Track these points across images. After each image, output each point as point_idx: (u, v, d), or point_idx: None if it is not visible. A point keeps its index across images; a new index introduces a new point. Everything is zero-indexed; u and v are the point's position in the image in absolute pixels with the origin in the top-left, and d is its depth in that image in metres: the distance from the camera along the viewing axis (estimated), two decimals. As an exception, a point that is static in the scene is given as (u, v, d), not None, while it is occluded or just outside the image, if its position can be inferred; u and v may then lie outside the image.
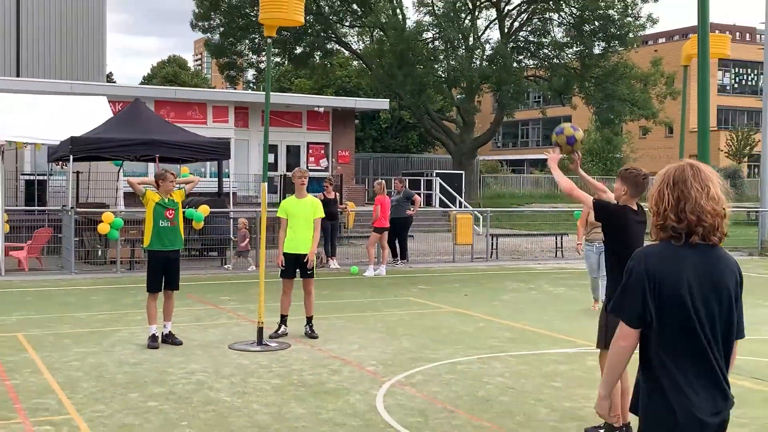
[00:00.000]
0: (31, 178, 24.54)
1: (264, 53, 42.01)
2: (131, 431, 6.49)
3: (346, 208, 22.70)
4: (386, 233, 18.30)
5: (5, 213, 17.78)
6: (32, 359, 9.03)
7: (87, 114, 20.40)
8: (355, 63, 52.96)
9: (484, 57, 43.20)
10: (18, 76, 37.60)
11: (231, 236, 18.92)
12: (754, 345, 9.60)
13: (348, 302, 13.67)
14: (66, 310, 12.46)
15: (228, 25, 43.56)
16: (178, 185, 10.20)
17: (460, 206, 32.82)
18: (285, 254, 10.43)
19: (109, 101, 23.39)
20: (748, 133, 57.07)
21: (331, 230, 18.78)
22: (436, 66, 43.21)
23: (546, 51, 43.48)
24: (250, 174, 29.95)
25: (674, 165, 3.38)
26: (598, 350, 9.52)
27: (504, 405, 7.41)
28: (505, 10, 43.81)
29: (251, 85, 51.58)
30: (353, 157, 35.28)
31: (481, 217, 24.38)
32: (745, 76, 68.99)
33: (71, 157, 18.30)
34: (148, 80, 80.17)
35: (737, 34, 78.96)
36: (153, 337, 9.75)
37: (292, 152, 32.72)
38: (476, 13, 43.86)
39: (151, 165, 22.23)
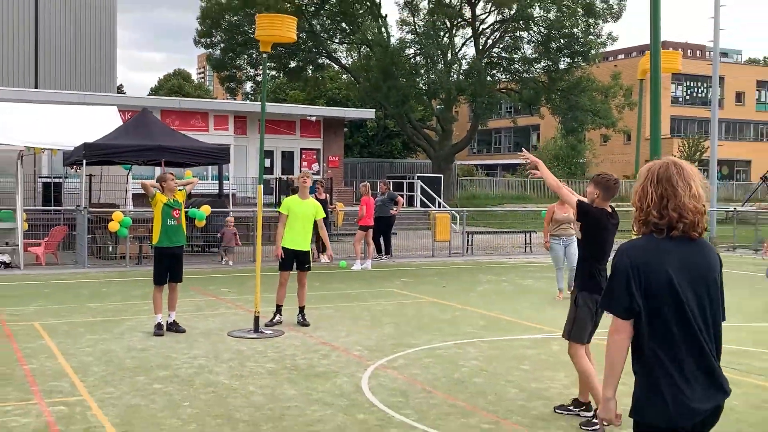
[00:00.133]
0: (48, 180, 24.44)
1: (261, 67, 41.92)
2: (138, 411, 6.47)
3: (335, 208, 22.68)
4: (371, 231, 18.32)
5: (24, 212, 17.70)
6: (48, 346, 8.99)
7: (99, 122, 20.35)
8: (344, 76, 52.94)
9: (461, 71, 43.28)
10: (36, 87, 37.45)
11: (218, 234, 18.81)
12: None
13: (337, 293, 13.66)
14: (79, 301, 12.42)
15: (228, 41, 43.53)
16: (179, 186, 10.22)
17: (439, 206, 32.86)
18: (285, 249, 10.40)
19: (119, 111, 23.33)
20: (698, 140, 57.34)
21: (325, 229, 18.73)
22: (417, 79, 43.25)
23: (516, 66, 43.59)
24: (248, 177, 29.92)
25: (658, 162, 3.29)
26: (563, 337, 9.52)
27: (477, 386, 7.43)
28: (480, 29, 43.91)
29: (249, 96, 51.44)
30: (342, 162, 35.29)
31: (457, 216, 24.40)
32: (695, 89, 69.32)
33: (84, 161, 18.28)
34: (155, 91, 79.83)
35: (689, 51, 79.32)
36: (158, 326, 9.73)
37: (287, 157, 32.70)
38: (453, 31, 43.93)
39: (157, 169, 22.13)
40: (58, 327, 10.13)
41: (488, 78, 42.63)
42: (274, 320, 10.47)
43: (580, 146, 56.03)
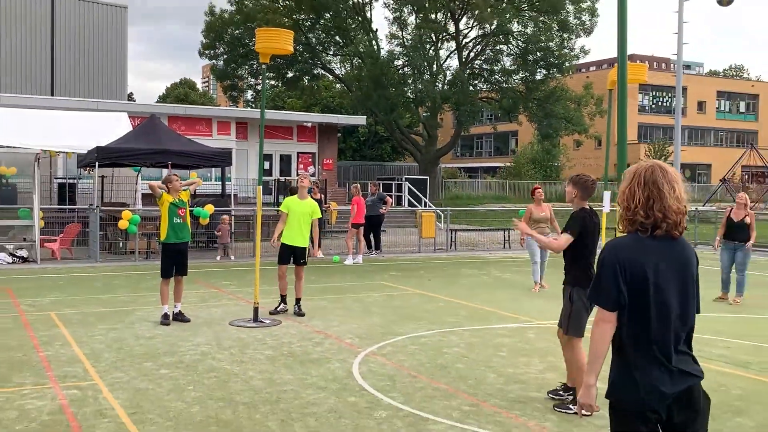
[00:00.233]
0: (63, 181, 24.31)
1: (261, 77, 41.91)
2: (146, 394, 6.46)
3: (329, 207, 22.68)
4: (362, 228, 18.33)
5: (41, 211, 17.64)
6: (63, 334, 8.96)
7: (110, 127, 20.28)
8: (337, 85, 52.90)
9: (445, 81, 43.32)
10: (52, 95, 37.27)
11: (215, 231, 18.75)
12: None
13: (330, 286, 13.67)
14: (92, 293, 12.38)
15: (230, 53, 43.45)
16: (183, 187, 10.24)
17: (425, 206, 32.87)
18: (284, 245, 10.48)
19: (129, 117, 23.24)
20: (663, 146, 57.60)
21: (318, 224, 18.74)
22: (405, 88, 43.26)
23: (496, 77, 43.64)
24: (249, 178, 29.85)
25: (643, 165, 3.26)
26: (539, 325, 9.59)
27: (459, 371, 7.45)
28: (463, 43, 43.96)
29: (250, 103, 51.38)
30: (336, 165, 35.25)
31: (442, 215, 24.43)
32: (660, 98, 69.58)
33: (97, 163, 18.21)
34: (162, 99, 79.64)
35: (655, 63, 79.61)
36: (165, 316, 9.72)
37: (285, 160, 32.65)
38: (439, 44, 43.96)
39: (164, 171, 22.09)
40: (72, 317, 10.11)
41: (470, 88, 42.71)
42: (278, 309, 10.53)
43: (554, 151, 56.18)
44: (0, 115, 20.51)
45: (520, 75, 42.80)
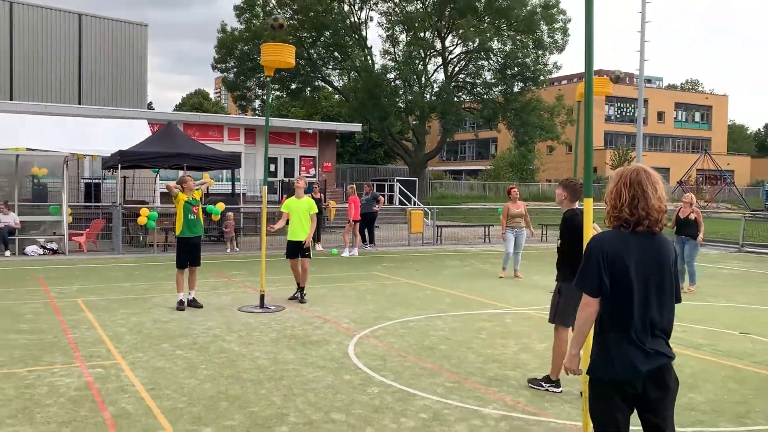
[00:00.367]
0: (89, 181, 24.24)
1: (266, 88, 41.94)
2: (163, 372, 6.46)
3: (328, 205, 22.67)
4: (358, 224, 18.33)
5: (69, 207, 17.59)
6: (88, 318, 8.94)
7: (132, 133, 20.25)
8: (336, 96, 52.82)
9: (433, 93, 43.33)
10: (80, 104, 37.14)
11: (223, 227, 18.70)
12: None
13: (329, 276, 13.67)
14: (114, 282, 12.35)
15: (239, 67, 43.37)
16: (196, 186, 10.23)
17: (414, 204, 32.89)
18: (289, 241, 10.54)
19: (149, 123, 23.20)
20: (626, 151, 57.73)
21: (317, 222, 18.72)
22: (396, 99, 43.25)
23: (478, 89, 43.68)
24: (256, 179, 29.80)
25: (629, 168, 3.25)
26: (515, 311, 9.62)
27: (443, 351, 7.46)
28: (448, 59, 43.97)
29: (257, 112, 51.23)
30: (334, 167, 35.22)
31: (429, 212, 24.45)
32: (624, 109, 69.76)
33: (119, 165, 18.17)
34: (179, 107, 79.34)
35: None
36: (180, 302, 9.71)
37: (288, 163, 32.60)
38: (427, 60, 43.97)
39: (180, 172, 22.06)
40: (97, 303, 10.08)
41: (455, 99, 42.75)
42: (296, 295, 10.57)
43: (530, 155, 56.20)
44: (32, 122, 20.47)
45: (500, 88, 42.85)
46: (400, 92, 43.26)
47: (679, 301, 3.23)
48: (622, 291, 3.12)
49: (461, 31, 40.68)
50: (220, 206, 17.90)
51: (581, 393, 5.72)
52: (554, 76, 47.64)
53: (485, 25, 40.36)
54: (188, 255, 9.87)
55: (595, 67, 4.61)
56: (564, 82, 68.64)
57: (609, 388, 3.13)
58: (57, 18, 39.32)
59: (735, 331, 8.81)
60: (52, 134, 19.17)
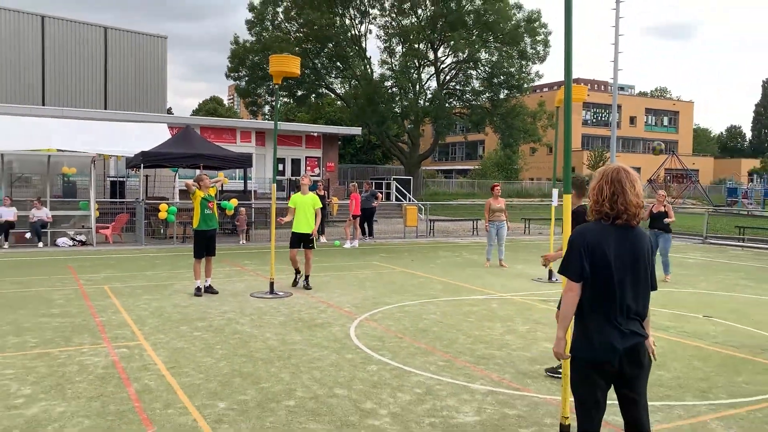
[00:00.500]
0: (115, 179, 24.22)
1: (275, 95, 41.87)
2: (182, 352, 6.46)
3: (331, 201, 22.66)
4: (358, 219, 18.32)
5: (96, 203, 17.57)
6: (114, 303, 8.94)
7: (153, 136, 20.22)
8: (338, 102, 52.70)
9: (426, 99, 43.23)
10: (105, 108, 37.04)
11: (235, 221, 18.67)
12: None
13: (332, 265, 13.68)
14: (138, 270, 12.35)
15: (251, 75, 43.20)
16: (212, 184, 10.25)
17: (409, 200, 32.87)
18: (293, 233, 10.51)
19: (168, 127, 23.14)
20: (601, 153, 57.75)
21: (321, 216, 18.71)
22: (393, 105, 43.13)
23: (467, 96, 43.57)
24: (266, 177, 29.75)
25: (610, 167, 3.26)
26: (501, 297, 9.63)
27: (435, 333, 7.47)
28: (440, 68, 43.86)
29: (267, 116, 51.13)
30: (337, 167, 35.18)
31: (423, 208, 24.46)
32: (600, 114, 69.70)
33: (142, 165, 18.13)
34: (196, 112, 79.13)
35: (596, 85, 79.65)
36: (198, 289, 9.71)
37: (295, 163, 32.56)
38: (421, 69, 43.83)
39: (197, 171, 22.05)
40: (122, 289, 10.09)
41: (446, 105, 42.65)
42: (297, 279, 10.61)
43: (514, 156, 56.18)
44: (63, 125, 20.42)
45: (487, 95, 42.77)
46: (397, 99, 43.16)
47: (654, 288, 3.24)
48: (601, 278, 3.13)
49: (452, 43, 40.58)
50: (234, 202, 17.89)
51: (546, 371, 5.74)
52: (536, 84, 47.54)
53: (474, 37, 40.25)
54: (205, 246, 9.87)
55: (573, 75, 4.61)
56: (545, 89, 68.55)
57: (589, 366, 3.15)
58: (85, 31, 39.18)
59: (699, 314, 8.84)
60: (80, 137, 19.13)
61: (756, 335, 7.66)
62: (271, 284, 9.86)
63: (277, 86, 10.20)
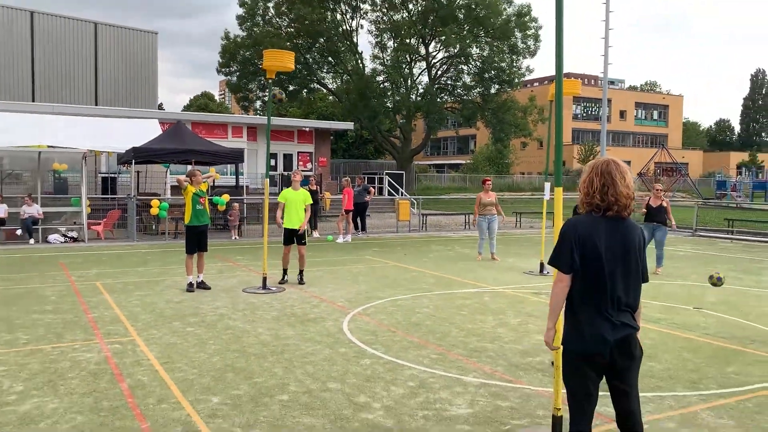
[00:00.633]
0: (106, 175, 24.08)
1: (267, 90, 41.68)
2: (175, 347, 6.44)
3: (324, 196, 22.62)
4: (351, 213, 18.30)
5: (88, 199, 17.46)
6: (106, 299, 8.90)
7: (144, 131, 20.08)
8: (330, 97, 52.59)
9: (418, 94, 43.21)
10: (96, 104, 36.81)
11: (228, 216, 18.61)
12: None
13: (325, 260, 13.66)
14: (130, 266, 12.29)
15: (242, 71, 43.08)
16: (203, 179, 10.19)
17: (402, 195, 32.87)
18: (285, 229, 10.41)
19: (160, 123, 23.00)
20: (591, 146, 57.93)
21: (314, 211, 18.71)
22: (385, 100, 43.11)
23: (459, 91, 43.61)
24: (258, 173, 29.69)
25: (600, 160, 3.26)
26: (492, 290, 9.63)
27: (428, 327, 7.48)
28: (432, 63, 43.87)
29: (258, 111, 50.95)
30: (329, 162, 35.13)
31: (415, 202, 24.47)
32: (590, 108, 69.90)
33: (133, 161, 18.02)
34: (187, 108, 78.73)
35: (586, 80, 79.88)
36: (190, 284, 9.67)
37: (287, 158, 32.49)
38: (412, 64, 43.81)
39: (189, 167, 21.94)
40: (114, 285, 10.04)
41: (438, 99, 42.66)
42: (284, 279, 10.45)
43: (505, 151, 56.31)
44: (53, 122, 20.26)
45: (478, 89, 42.80)
46: (388, 94, 43.12)
47: (645, 280, 3.24)
48: (592, 270, 3.12)
49: (443, 38, 40.56)
50: (225, 197, 17.83)
51: (552, 362, 5.76)
52: (527, 78, 47.60)
53: (465, 32, 40.24)
54: (196, 242, 9.83)
55: (564, 70, 4.61)
56: (536, 84, 68.64)
57: (580, 358, 3.15)
58: (74, 26, 38.87)
59: (689, 306, 8.89)
60: (71, 133, 18.99)
61: (745, 326, 7.71)
62: (264, 279, 9.84)
63: (270, 81, 10.15)
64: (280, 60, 9.56)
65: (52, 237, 16.49)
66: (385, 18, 43.17)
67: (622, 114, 72.08)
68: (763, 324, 7.83)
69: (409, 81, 43.05)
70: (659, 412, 4.81)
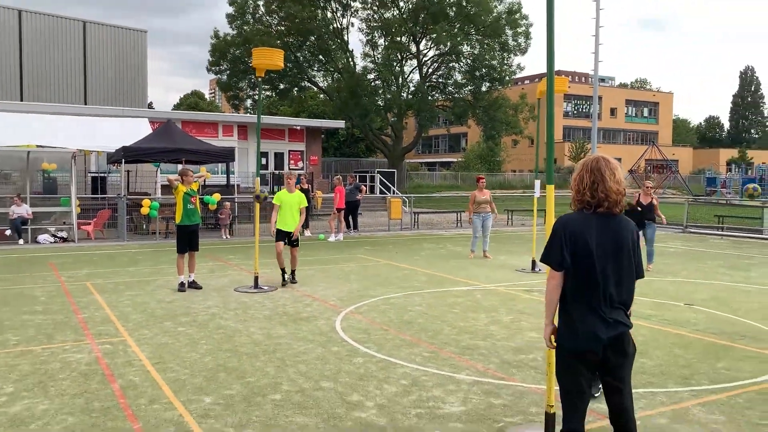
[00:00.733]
0: (96, 175, 23.93)
1: (257, 88, 41.52)
2: (166, 347, 6.41)
3: (315, 195, 22.59)
4: (343, 212, 18.28)
5: (77, 199, 17.36)
6: (97, 300, 8.85)
7: (134, 130, 20.01)
8: (321, 95, 52.52)
9: (409, 92, 43.19)
10: (86, 104, 36.58)
11: (219, 214, 18.53)
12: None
13: (317, 259, 13.65)
14: (120, 266, 12.23)
15: (232, 69, 42.90)
16: (194, 178, 10.14)
17: (393, 193, 32.88)
18: (279, 230, 10.34)
19: (150, 122, 22.91)
20: (582, 144, 58.12)
21: (306, 210, 18.65)
22: (376, 98, 43.05)
23: (450, 89, 43.62)
24: (249, 171, 29.61)
25: (591, 157, 3.26)
26: (484, 288, 9.65)
27: (420, 325, 7.48)
28: (423, 61, 43.85)
29: (249, 110, 50.77)
30: (321, 160, 35.08)
31: (407, 200, 24.48)
32: (581, 106, 70.15)
33: (123, 160, 17.93)
34: (177, 107, 78.37)
35: (576, 77, 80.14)
36: (181, 284, 9.64)
37: (278, 157, 32.42)
38: (403, 62, 43.77)
39: (179, 166, 21.86)
40: (105, 286, 9.98)
41: (429, 97, 42.65)
42: (284, 280, 10.25)
43: (496, 148, 56.44)
44: (41, 121, 20.13)
45: (469, 87, 42.83)
46: (380, 92, 43.07)
47: (640, 276, 3.23)
48: (583, 267, 3.12)
49: (434, 35, 40.54)
50: (216, 197, 17.76)
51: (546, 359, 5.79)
52: (518, 76, 47.68)
53: (456, 30, 40.25)
54: (187, 241, 9.79)
55: (555, 67, 4.62)
56: (527, 81, 68.81)
57: (573, 356, 3.15)
58: (63, 25, 38.60)
59: (680, 302, 8.94)
60: (60, 132, 18.89)
61: (736, 322, 7.77)
62: (256, 278, 9.81)
63: (260, 79, 10.11)
64: (269, 58, 9.53)
65: (41, 237, 16.38)
66: (375, 16, 43.13)
67: (613, 111, 72.39)
68: (752, 320, 7.89)
69: (400, 79, 43.02)
70: (651, 408, 4.84)
